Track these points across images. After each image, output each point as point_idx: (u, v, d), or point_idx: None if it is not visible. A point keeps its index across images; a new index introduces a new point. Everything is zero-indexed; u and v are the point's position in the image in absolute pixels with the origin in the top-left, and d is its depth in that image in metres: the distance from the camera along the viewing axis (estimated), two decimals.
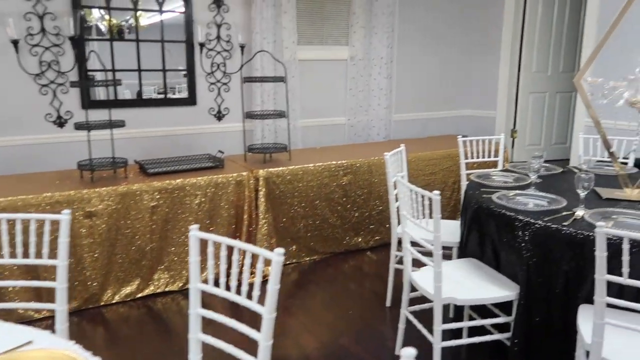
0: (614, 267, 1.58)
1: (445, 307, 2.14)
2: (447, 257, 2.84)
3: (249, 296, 1.38)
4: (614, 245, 1.64)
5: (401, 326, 2.43)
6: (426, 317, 2.21)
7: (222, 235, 3.28)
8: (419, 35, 5.27)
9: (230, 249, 1.41)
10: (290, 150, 3.73)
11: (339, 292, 3.15)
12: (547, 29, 5.38)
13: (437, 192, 1.97)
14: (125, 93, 4.00)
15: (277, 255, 1.27)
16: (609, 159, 3.14)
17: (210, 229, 3.20)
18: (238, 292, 1.42)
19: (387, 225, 3.81)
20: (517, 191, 2.46)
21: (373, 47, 4.84)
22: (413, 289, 2.30)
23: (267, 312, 1.30)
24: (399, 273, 2.70)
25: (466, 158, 3.49)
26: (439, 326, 2.05)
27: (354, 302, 3.03)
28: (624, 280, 1.52)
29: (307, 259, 3.61)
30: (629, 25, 3.83)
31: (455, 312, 2.71)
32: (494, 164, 3.68)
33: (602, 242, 1.52)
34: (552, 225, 1.99)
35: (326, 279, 3.34)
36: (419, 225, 2.15)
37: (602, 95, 2.31)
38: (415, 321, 2.29)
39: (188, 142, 4.19)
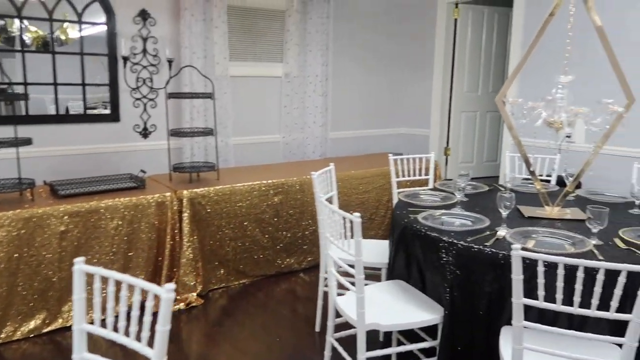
0: (533, 286, 1.55)
1: (375, 331, 2.05)
2: (376, 277, 2.79)
3: (138, 338, 1.22)
4: (532, 267, 1.62)
5: (327, 354, 2.32)
6: (354, 343, 2.11)
7: (143, 260, 3.11)
8: (354, 53, 5.29)
9: (119, 284, 1.25)
10: (218, 169, 3.58)
11: (268, 318, 3.01)
12: (477, 51, 5.56)
13: (357, 214, 1.90)
14: (51, 109, 3.71)
15: (166, 292, 1.12)
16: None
17: (129, 254, 2.98)
18: (127, 332, 1.26)
19: None
20: (443, 210, 2.44)
21: (308, 64, 4.80)
22: (340, 313, 2.20)
23: (156, 356, 1.15)
24: (328, 296, 2.59)
25: (397, 176, 3.48)
26: (362, 354, 1.96)
27: (283, 328, 2.89)
28: (540, 303, 1.49)
29: (236, 283, 3.44)
30: (548, 49, 3.99)
31: (385, 335, 2.63)
32: (425, 182, 3.69)
33: (518, 265, 1.49)
34: (475, 246, 1.96)
35: (256, 304, 3.18)
36: (341, 248, 2.06)
37: (522, 115, 2.34)
38: (340, 349, 2.19)
39: (111, 161, 3.94)
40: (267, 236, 3.53)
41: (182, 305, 3.07)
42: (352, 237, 1.94)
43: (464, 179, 2.76)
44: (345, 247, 2.04)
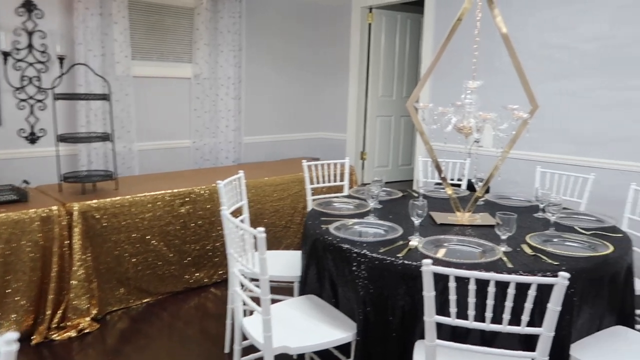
0: (446, 299, 1.48)
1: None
2: (289, 291, 2.64)
3: None
4: (444, 279, 1.54)
5: None
6: None
7: (25, 284, 2.71)
8: (269, 56, 5.13)
9: None
10: (117, 178, 3.25)
11: (173, 341, 2.75)
12: (391, 56, 5.61)
13: (261, 229, 1.73)
14: None
15: (6, 344, 0.88)
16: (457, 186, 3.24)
17: (7, 277, 2.60)
18: None
19: None
20: (357, 220, 2.34)
21: (219, 65, 4.57)
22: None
23: None
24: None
25: (312, 183, 3.35)
26: None
27: (190, 351, 2.65)
28: (453, 321, 1.40)
29: (138, 302, 3.14)
30: (458, 54, 4.07)
31: (298, 355, 2.48)
32: (341, 188, 3.61)
33: (429, 281, 1.40)
34: (387, 258, 1.86)
35: (160, 326, 2.91)
36: (245, 266, 1.88)
37: (432, 121, 2.30)
38: None
39: None
40: (173, 250, 3.26)
41: (72, 333, 2.72)
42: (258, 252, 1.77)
43: (377, 185, 2.69)
44: (250, 265, 1.86)
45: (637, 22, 3.40)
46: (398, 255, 1.88)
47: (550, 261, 1.83)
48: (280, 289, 2.70)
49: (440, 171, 2.46)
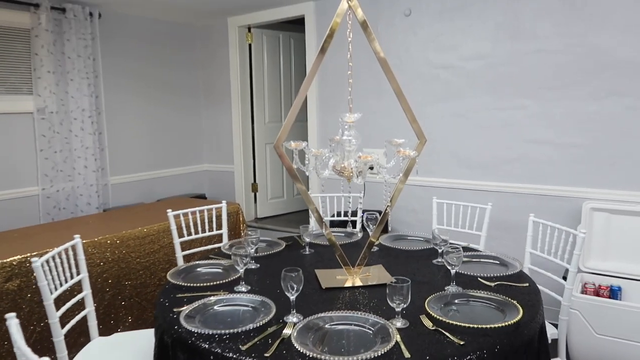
0: None
1: None
2: None
3: None
4: None
5: None
6: None
7: None
8: (135, 82, 4.49)
9: None
10: None
11: None
12: (276, 79, 5.21)
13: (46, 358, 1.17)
14: None
15: None
16: (347, 220, 2.85)
17: None
18: None
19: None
20: (222, 295, 1.83)
21: (70, 96, 3.86)
22: None
23: None
24: None
25: (182, 235, 2.80)
26: None
27: None
28: None
29: None
30: (342, 81, 3.77)
31: None
32: (219, 238, 3.09)
33: None
34: (246, 358, 1.38)
35: None
36: None
37: (305, 165, 1.88)
38: None
39: None
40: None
41: None
42: None
43: (252, 240, 2.21)
44: None
45: (515, 39, 3.30)
46: (265, 354, 1.40)
47: (454, 339, 1.46)
48: None
49: (321, 223, 2.03)
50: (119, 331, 3.10)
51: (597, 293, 2.93)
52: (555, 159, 3.24)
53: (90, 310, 2.23)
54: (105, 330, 3.01)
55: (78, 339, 2.82)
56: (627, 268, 2.94)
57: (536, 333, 1.62)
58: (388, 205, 2.03)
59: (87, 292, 2.22)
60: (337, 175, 1.88)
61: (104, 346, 2.15)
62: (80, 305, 2.32)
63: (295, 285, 1.63)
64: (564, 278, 2.88)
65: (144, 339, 2.18)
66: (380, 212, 3.88)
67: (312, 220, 3.18)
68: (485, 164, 3.51)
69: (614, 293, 2.90)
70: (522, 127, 3.34)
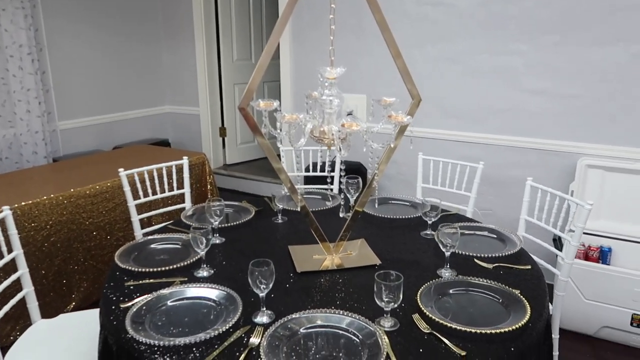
0: None
1: None
2: None
3: None
4: None
5: None
6: None
7: None
8: (83, 11, 3.92)
9: None
10: None
11: None
12: (245, 14, 4.69)
13: None
14: None
15: None
16: (326, 180, 2.54)
17: None
18: None
19: None
20: (177, 286, 1.55)
21: (3, 30, 3.33)
22: None
23: None
24: None
25: (138, 197, 2.48)
26: None
27: None
28: None
29: None
30: (316, 25, 3.34)
31: None
32: (181, 199, 2.78)
33: None
34: None
35: None
36: None
37: (277, 130, 1.55)
38: None
39: None
40: None
41: None
42: None
43: (215, 212, 1.91)
44: None
45: None
46: None
47: (454, 349, 1.23)
48: None
49: (293, 190, 1.73)
50: (74, 297, 2.83)
51: (586, 254, 2.79)
52: (551, 111, 2.97)
53: (28, 291, 1.93)
54: (57, 298, 2.74)
55: (18, 320, 2.54)
56: (619, 228, 2.79)
57: (543, 330, 1.42)
58: (375, 174, 1.74)
59: (22, 271, 1.91)
60: (315, 142, 1.56)
61: (46, 332, 1.87)
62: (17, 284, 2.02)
63: (265, 281, 1.36)
64: (554, 241, 2.72)
65: (92, 322, 1.91)
66: (361, 168, 3.61)
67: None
68: (475, 114, 3.22)
69: (603, 254, 2.76)
70: (517, 75, 3.03)
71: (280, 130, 1.53)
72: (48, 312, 2.67)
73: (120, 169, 2.40)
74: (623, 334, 2.50)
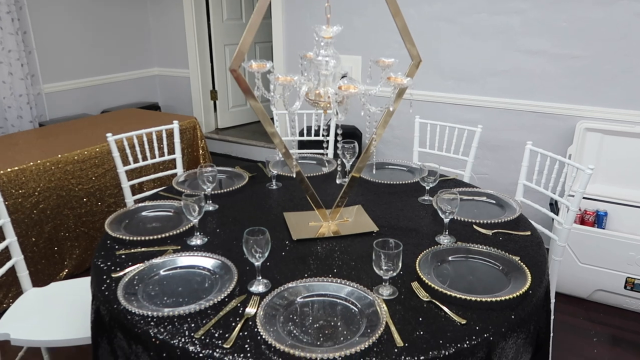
0: None
1: None
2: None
3: None
4: None
5: None
6: None
7: None
8: None
9: None
10: None
11: None
12: None
13: None
14: None
15: None
16: (321, 144, 2.48)
17: None
18: None
19: None
20: (170, 255, 1.51)
21: None
22: None
23: None
24: None
25: (127, 163, 2.41)
26: None
27: None
28: None
29: None
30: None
31: None
32: (172, 165, 2.72)
33: None
34: (202, 353, 1.11)
35: None
36: None
37: (270, 93, 1.48)
38: None
39: None
40: None
41: None
42: None
43: (208, 178, 1.86)
44: None
45: None
46: (224, 345, 1.13)
47: (454, 317, 1.21)
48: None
49: (286, 153, 1.68)
50: (66, 264, 2.80)
51: (582, 218, 2.78)
52: (550, 73, 2.90)
53: (18, 260, 1.88)
54: (49, 266, 2.70)
55: (10, 288, 2.51)
56: (616, 192, 2.77)
57: (543, 297, 1.40)
58: (373, 138, 1.68)
59: (11, 239, 1.86)
60: (310, 105, 1.50)
61: (38, 300, 1.85)
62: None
63: (260, 250, 1.32)
64: (550, 205, 2.71)
65: (84, 290, 1.88)
66: (356, 132, 3.54)
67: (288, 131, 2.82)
68: (473, 76, 3.14)
69: (599, 219, 2.76)
70: (516, 35, 2.94)
71: (274, 93, 1.46)
72: (41, 279, 2.64)
73: (109, 134, 2.32)
74: (616, 296, 2.52)
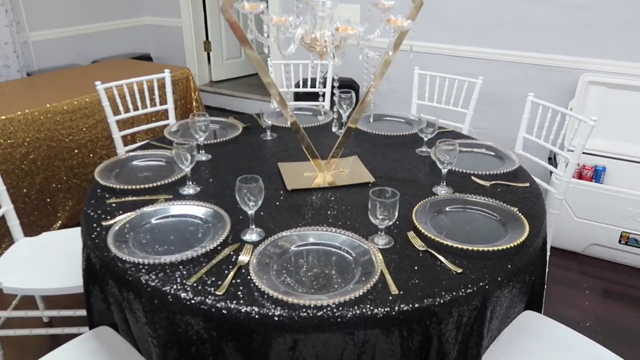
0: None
1: None
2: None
3: None
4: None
5: None
6: None
7: None
8: None
9: None
10: None
11: None
12: None
13: None
14: None
15: None
16: (317, 97, 2.40)
17: None
18: None
19: None
20: (162, 204, 1.47)
21: None
22: None
23: None
24: None
25: (118, 112, 2.35)
26: None
27: None
28: None
29: None
30: None
31: None
32: (164, 115, 2.66)
33: None
34: (194, 300, 1.09)
35: None
36: None
37: (264, 36, 1.41)
38: None
39: None
40: None
41: None
42: None
43: (200, 127, 1.81)
44: None
45: None
46: (216, 292, 1.11)
47: (450, 266, 1.20)
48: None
49: (283, 104, 1.62)
50: (59, 216, 2.78)
51: (580, 173, 2.76)
52: (555, 23, 2.80)
53: (7, 209, 1.85)
54: (42, 217, 2.68)
55: (3, 239, 2.49)
56: (615, 147, 2.74)
57: (540, 247, 1.39)
58: (371, 85, 1.62)
59: (6, 208, 1.82)
60: (306, 50, 1.43)
61: (29, 249, 1.83)
62: None
63: (253, 198, 1.29)
64: (549, 159, 2.67)
65: (75, 240, 1.86)
66: (354, 84, 3.45)
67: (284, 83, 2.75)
68: (474, 27, 3.04)
69: (597, 174, 2.74)
70: None
71: (268, 36, 1.39)
72: (34, 230, 2.62)
73: (98, 82, 2.24)
74: (610, 251, 2.53)
